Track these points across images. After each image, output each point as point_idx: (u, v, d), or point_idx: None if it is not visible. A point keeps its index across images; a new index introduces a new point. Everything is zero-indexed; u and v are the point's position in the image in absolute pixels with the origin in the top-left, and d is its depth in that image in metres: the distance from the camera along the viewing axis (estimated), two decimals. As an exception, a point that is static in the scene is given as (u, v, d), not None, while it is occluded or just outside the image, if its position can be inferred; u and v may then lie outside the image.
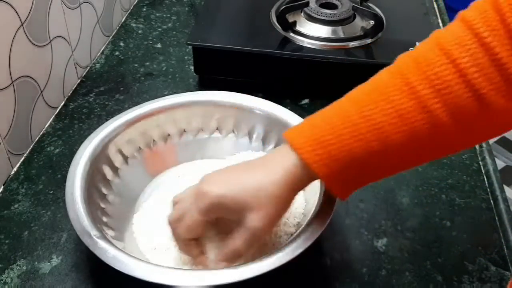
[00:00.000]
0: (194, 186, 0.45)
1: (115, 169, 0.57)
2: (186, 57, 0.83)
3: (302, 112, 0.60)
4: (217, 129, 0.63)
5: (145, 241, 0.52)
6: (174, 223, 0.46)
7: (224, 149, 0.62)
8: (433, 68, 0.37)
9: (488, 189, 0.62)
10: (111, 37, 0.88)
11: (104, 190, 0.54)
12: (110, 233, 0.50)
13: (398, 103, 0.38)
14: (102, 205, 0.53)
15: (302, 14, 0.76)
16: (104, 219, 0.52)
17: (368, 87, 0.41)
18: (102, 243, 0.45)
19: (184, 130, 0.62)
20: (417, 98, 0.37)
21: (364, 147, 0.39)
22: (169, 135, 0.62)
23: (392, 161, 0.41)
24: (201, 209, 0.43)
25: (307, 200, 0.54)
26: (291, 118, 0.58)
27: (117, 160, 0.57)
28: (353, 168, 0.40)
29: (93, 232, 0.46)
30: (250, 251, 0.44)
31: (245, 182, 0.43)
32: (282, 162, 0.42)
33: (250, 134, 0.62)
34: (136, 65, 0.81)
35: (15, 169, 0.63)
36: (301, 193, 0.54)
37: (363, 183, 0.43)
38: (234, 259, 0.44)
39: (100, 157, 0.55)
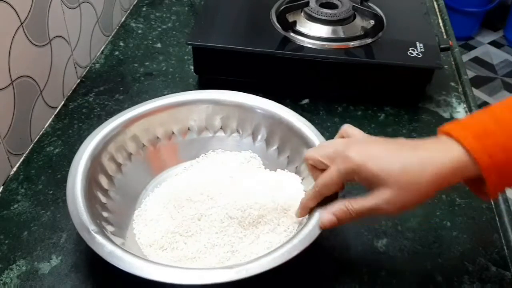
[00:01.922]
0: (343, 143, 0.46)
1: (118, 165, 0.57)
2: (186, 57, 0.83)
3: (303, 112, 0.60)
4: (221, 128, 0.63)
5: (145, 237, 0.52)
6: (312, 166, 0.48)
7: (228, 148, 0.62)
8: None
9: (489, 189, 0.62)
10: (110, 37, 0.88)
11: (106, 186, 0.55)
12: (110, 228, 0.50)
13: None
14: (104, 201, 0.53)
15: (302, 14, 0.76)
16: (105, 214, 0.52)
17: None
18: (100, 238, 0.45)
19: (188, 129, 0.62)
20: None
21: None
22: (173, 133, 0.62)
23: None
24: (340, 171, 0.44)
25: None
26: (295, 118, 0.59)
27: (120, 157, 0.57)
28: None
29: (92, 227, 0.46)
30: (359, 218, 0.45)
31: (391, 158, 0.42)
32: (437, 149, 0.41)
33: (254, 134, 0.62)
34: (135, 65, 0.81)
35: (14, 169, 0.63)
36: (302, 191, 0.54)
37: None
38: (343, 219, 0.45)
39: (103, 153, 0.55)
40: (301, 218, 0.51)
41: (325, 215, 0.46)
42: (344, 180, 0.45)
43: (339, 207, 0.45)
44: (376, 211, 0.43)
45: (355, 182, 0.44)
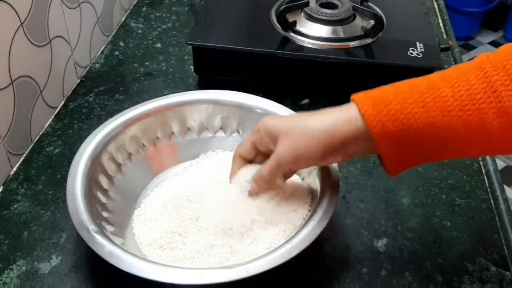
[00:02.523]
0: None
1: (118, 165, 0.57)
2: (186, 57, 0.83)
3: (303, 112, 0.60)
4: (221, 128, 0.63)
5: (144, 237, 0.52)
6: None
7: (228, 148, 0.62)
8: (510, 60, 0.38)
9: (489, 189, 0.62)
10: (110, 37, 0.88)
11: (106, 186, 0.55)
12: (110, 228, 0.50)
13: (468, 82, 0.38)
14: (103, 201, 0.53)
15: (302, 14, 0.76)
16: (105, 214, 0.52)
17: (443, 71, 0.42)
18: (99, 238, 0.45)
19: (188, 129, 0.62)
20: (489, 82, 0.38)
21: (425, 116, 0.39)
22: (173, 133, 0.62)
23: (450, 143, 0.40)
24: (253, 130, 0.50)
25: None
26: None
27: (120, 157, 0.57)
28: (409, 138, 0.40)
29: (91, 227, 0.46)
30: (272, 178, 0.49)
31: (292, 118, 0.48)
32: (336, 110, 0.43)
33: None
34: (135, 65, 0.81)
35: (14, 169, 0.63)
36: (306, 192, 0.54)
37: (416, 160, 0.42)
38: (261, 185, 0.49)
39: (103, 153, 0.55)
40: (299, 221, 0.51)
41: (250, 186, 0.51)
42: (255, 139, 0.49)
43: (255, 173, 0.50)
44: (278, 161, 0.47)
45: (265, 143, 0.48)
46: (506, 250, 0.55)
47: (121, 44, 0.86)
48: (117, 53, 0.84)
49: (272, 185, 0.50)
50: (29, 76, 0.64)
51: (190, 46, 0.77)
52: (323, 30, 0.74)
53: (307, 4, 0.76)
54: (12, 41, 0.59)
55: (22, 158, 0.64)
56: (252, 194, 0.50)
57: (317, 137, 0.43)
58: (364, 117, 0.40)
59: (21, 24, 0.60)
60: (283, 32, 0.74)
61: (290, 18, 0.74)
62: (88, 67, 0.80)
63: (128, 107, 0.60)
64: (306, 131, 0.44)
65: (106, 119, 0.59)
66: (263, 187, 0.50)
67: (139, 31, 0.89)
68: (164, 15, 0.94)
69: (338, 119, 0.42)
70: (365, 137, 0.41)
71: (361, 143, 0.42)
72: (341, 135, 0.42)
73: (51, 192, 0.60)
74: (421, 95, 0.40)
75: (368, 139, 0.41)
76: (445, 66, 0.80)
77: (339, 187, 0.50)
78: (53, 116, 0.71)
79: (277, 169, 0.48)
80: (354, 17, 0.77)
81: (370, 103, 0.41)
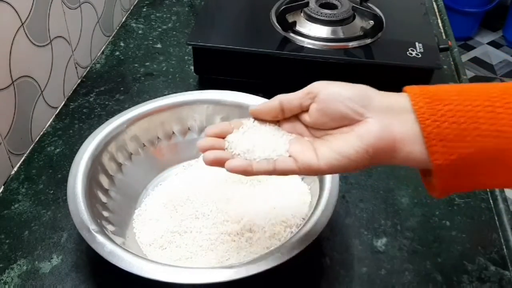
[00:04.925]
0: None
1: (118, 165, 0.57)
2: (186, 57, 0.83)
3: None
4: None
5: (145, 237, 0.53)
6: None
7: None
8: None
9: (488, 189, 0.62)
10: (111, 37, 0.88)
11: (106, 185, 0.55)
12: (110, 228, 0.50)
13: None
14: (104, 200, 0.53)
15: (302, 14, 0.76)
16: (105, 214, 0.52)
17: None
18: (100, 238, 0.45)
19: (189, 129, 0.63)
20: None
21: (492, 122, 0.34)
22: (173, 133, 0.62)
23: None
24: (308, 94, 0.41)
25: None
26: None
27: (121, 156, 0.58)
28: (468, 148, 0.35)
29: (92, 227, 0.46)
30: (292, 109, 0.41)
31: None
32: (389, 94, 0.39)
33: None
34: (136, 65, 0.81)
35: (15, 169, 0.63)
36: (306, 192, 0.54)
37: (468, 182, 0.37)
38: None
39: (103, 153, 0.55)
40: (299, 221, 0.51)
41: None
42: (305, 93, 0.41)
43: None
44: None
45: (310, 102, 0.41)
46: (505, 250, 0.55)
47: (122, 44, 0.86)
48: (117, 53, 0.84)
49: (275, 117, 0.42)
50: (30, 76, 0.64)
51: (190, 46, 0.77)
52: (322, 31, 0.74)
53: (306, 4, 0.76)
54: (13, 41, 0.59)
55: (23, 158, 0.64)
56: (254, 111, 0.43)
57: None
58: (415, 111, 0.36)
59: (22, 24, 0.60)
60: (283, 33, 0.74)
61: (290, 19, 0.75)
62: (88, 67, 0.80)
63: (129, 107, 0.61)
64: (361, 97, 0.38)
65: (106, 119, 0.59)
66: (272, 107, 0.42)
67: (140, 31, 0.90)
68: (165, 15, 0.94)
69: (389, 100, 0.38)
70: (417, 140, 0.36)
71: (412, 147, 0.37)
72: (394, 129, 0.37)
73: (51, 191, 0.60)
74: (489, 98, 0.35)
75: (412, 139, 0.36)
76: (444, 67, 0.81)
77: (338, 187, 0.51)
78: (53, 116, 0.71)
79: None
80: (354, 18, 0.77)
81: (425, 99, 0.36)
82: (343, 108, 0.39)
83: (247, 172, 0.40)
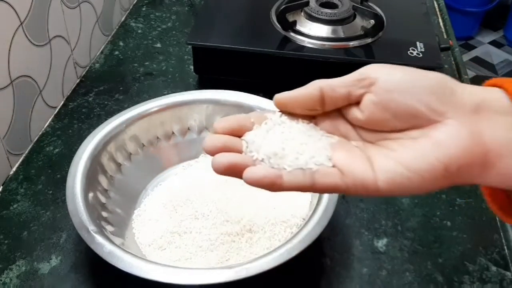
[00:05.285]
0: None
1: (118, 165, 0.57)
2: (185, 57, 0.83)
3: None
4: None
5: (144, 237, 0.52)
6: None
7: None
8: None
9: None
10: (110, 36, 0.88)
11: (105, 186, 0.55)
12: (109, 228, 0.50)
13: None
14: (103, 201, 0.53)
15: (302, 13, 0.76)
16: (105, 214, 0.52)
17: None
18: (99, 238, 0.45)
19: (188, 128, 0.62)
20: None
21: None
22: (173, 133, 0.62)
23: None
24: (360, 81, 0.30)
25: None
26: None
27: (120, 156, 0.57)
28: None
29: (91, 227, 0.46)
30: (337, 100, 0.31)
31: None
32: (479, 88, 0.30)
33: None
34: (135, 64, 0.81)
35: (14, 169, 0.63)
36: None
37: None
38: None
39: (102, 153, 0.55)
40: (299, 221, 0.51)
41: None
42: (355, 79, 0.30)
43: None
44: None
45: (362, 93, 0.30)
46: (506, 250, 0.55)
47: (121, 43, 0.86)
48: (117, 52, 0.84)
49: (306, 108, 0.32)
50: (29, 76, 0.64)
51: (190, 46, 0.77)
52: (323, 30, 0.74)
53: (307, 3, 0.75)
54: (11, 40, 0.59)
55: (21, 158, 0.64)
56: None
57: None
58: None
59: (21, 23, 0.60)
60: (283, 32, 0.74)
61: (290, 18, 0.74)
62: (88, 67, 0.80)
63: (128, 107, 0.60)
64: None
65: (106, 119, 0.59)
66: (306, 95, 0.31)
67: (139, 31, 0.89)
68: (164, 14, 0.94)
69: (483, 95, 0.29)
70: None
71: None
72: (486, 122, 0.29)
73: (50, 192, 0.60)
74: None
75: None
76: (445, 66, 0.80)
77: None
78: (52, 116, 0.71)
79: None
80: (354, 17, 0.76)
81: None
82: (415, 103, 0.28)
83: (274, 186, 0.29)
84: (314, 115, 0.32)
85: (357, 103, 0.30)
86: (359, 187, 0.28)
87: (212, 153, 0.30)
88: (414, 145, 0.28)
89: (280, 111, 0.32)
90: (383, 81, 0.29)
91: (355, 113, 0.31)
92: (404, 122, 0.29)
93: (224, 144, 0.30)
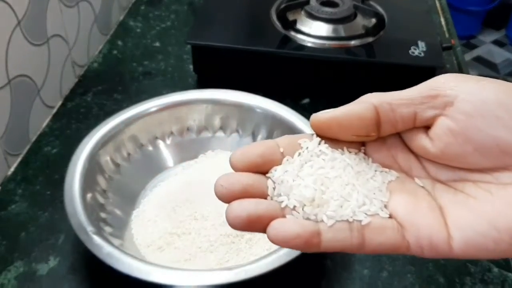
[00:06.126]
0: None
1: (116, 165, 0.57)
2: (185, 56, 0.82)
3: (303, 111, 0.59)
4: (220, 128, 0.63)
5: (143, 238, 0.52)
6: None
7: (228, 148, 0.61)
8: None
9: None
10: (109, 36, 0.87)
11: (104, 186, 0.54)
12: (108, 229, 0.50)
13: None
14: (102, 201, 0.53)
15: (302, 12, 0.76)
16: (103, 215, 0.51)
17: None
18: (98, 240, 0.45)
19: (188, 128, 0.62)
20: None
21: None
22: (172, 133, 0.61)
23: None
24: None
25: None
26: (295, 118, 0.58)
27: (119, 157, 0.57)
28: None
29: (89, 228, 0.45)
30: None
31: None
32: None
33: (254, 134, 0.61)
34: (134, 64, 0.81)
35: (12, 169, 0.62)
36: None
37: None
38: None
39: (101, 153, 0.55)
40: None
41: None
42: (424, 95, 0.23)
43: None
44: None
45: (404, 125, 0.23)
46: (509, 251, 0.54)
47: (120, 43, 0.85)
48: (115, 52, 0.83)
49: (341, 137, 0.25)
50: (27, 76, 0.63)
51: (189, 45, 0.76)
52: (323, 29, 0.73)
53: (307, 2, 0.75)
54: (9, 40, 0.58)
55: (19, 159, 0.64)
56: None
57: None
58: None
59: (18, 22, 0.60)
60: (283, 31, 0.73)
61: (291, 17, 0.74)
62: (86, 67, 0.80)
63: (127, 106, 0.60)
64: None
65: (104, 119, 0.58)
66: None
67: (138, 30, 0.89)
68: (163, 14, 0.93)
69: None
70: None
71: None
72: None
73: (49, 192, 0.60)
74: None
75: None
76: (447, 66, 0.80)
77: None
78: (51, 116, 0.70)
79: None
80: (355, 16, 0.76)
81: None
82: (511, 135, 0.21)
83: (310, 246, 0.22)
84: (364, 141, 0.25)
85: (426, 127, 0.23)
86: (425, 247, 0.22)
87: (228, 200, 0.23)
88: (505, 193, 0.21)
89: (318, 136, 0.25)
90: (465, 102, 0.21)
91: (423, 141, 0.23)
92: (492, 159, 0.21)
93: (244, 188, 0.23)
